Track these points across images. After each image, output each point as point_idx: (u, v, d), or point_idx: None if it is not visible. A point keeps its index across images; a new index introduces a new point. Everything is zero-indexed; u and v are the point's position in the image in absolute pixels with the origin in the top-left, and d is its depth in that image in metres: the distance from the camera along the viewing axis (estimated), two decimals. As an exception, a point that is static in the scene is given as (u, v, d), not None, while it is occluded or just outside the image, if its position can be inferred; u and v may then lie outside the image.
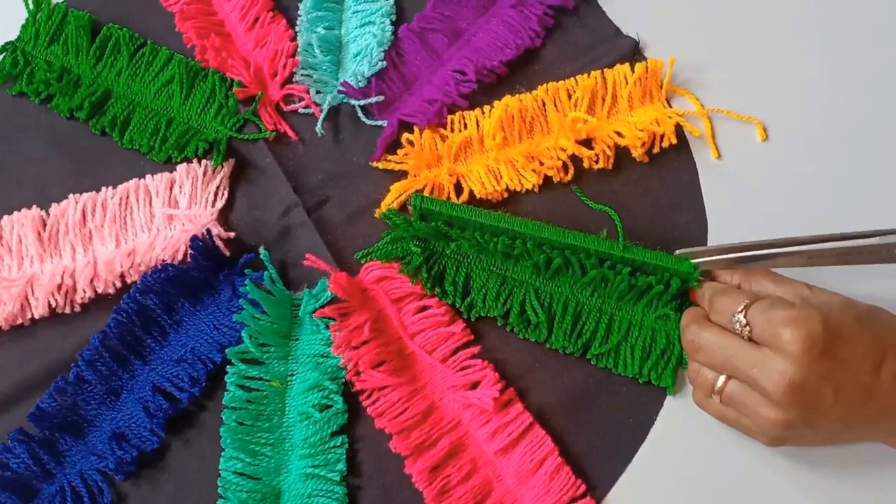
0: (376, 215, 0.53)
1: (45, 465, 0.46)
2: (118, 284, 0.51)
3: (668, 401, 0.48)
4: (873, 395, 0.40)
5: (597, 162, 0.53)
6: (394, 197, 0.52)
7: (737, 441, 0.46)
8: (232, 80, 0.56)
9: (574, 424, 0.47)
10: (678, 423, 0.47)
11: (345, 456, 0.46)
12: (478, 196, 0.53)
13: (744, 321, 0.41)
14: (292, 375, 0.49)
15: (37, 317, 0.50)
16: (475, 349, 0.49)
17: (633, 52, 0.57)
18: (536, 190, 0.53)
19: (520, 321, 0.49)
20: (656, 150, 0.53)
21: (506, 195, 0.53)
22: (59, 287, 0.50)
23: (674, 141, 0.53)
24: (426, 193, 0.52)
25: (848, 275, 0.45)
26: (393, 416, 0.47)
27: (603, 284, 0.49)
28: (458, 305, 0.50)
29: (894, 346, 0.40)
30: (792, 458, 0.46)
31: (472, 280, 0.50)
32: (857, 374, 0.40)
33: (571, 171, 0.53)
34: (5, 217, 0.53)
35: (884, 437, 0.43)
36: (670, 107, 0.55)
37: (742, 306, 0.41)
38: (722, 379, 0.42)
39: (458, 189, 0.53)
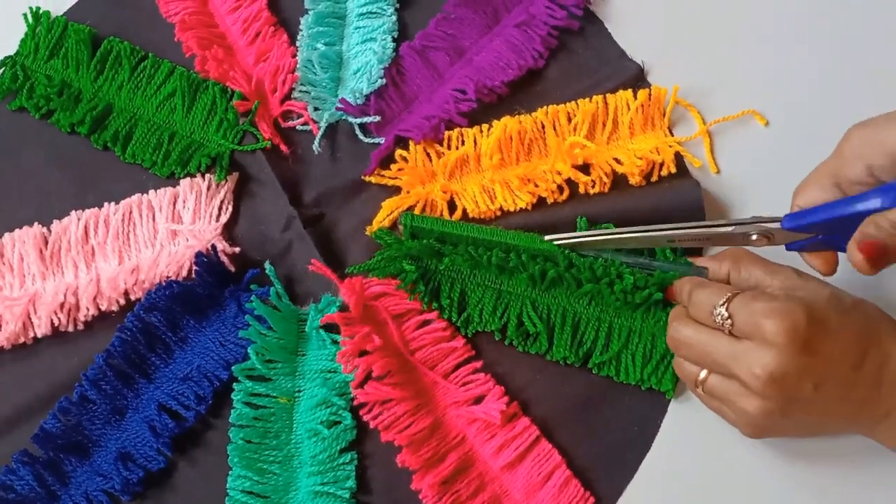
0: (367, 233, 0.52)
1: (50, 487, 0.46)
2: (122, 302, 0.50)
3: (672, 407, 0.48)
4: (854, 389, 0.40)
5: (593, 187, 0.52)
6: (385, 214, 0.52)
7: (743, 447, 0.46)
8: (232, 92, 0.56)
9: (578, 436, 0.47)
10: (682, 430, 0.47)
11: (354, 473, 0.46)
12: (471, 215, 0.52)
13: (725, 314, 0.41)
14: (300, 392, 0.49)
15: (39, 336, 0.50)
16: (477, 364, 0.49)
17: (637, 78, 0.56)
18: (529, 207, 0.52)
19: (518, 334, 0.49)
20: (654, 178, 0.52)
21: (499, 214, 0.53)
22: (62, 305, 0.50)
23: (673, 170, 0.52)
24: (418, 210, 0.52)
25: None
26: (399, 430, 0.47)
27: (599, 295, 0.49)
28: (454, 321, 0.50)
29: (878, 342, 0.40)
30: (800, 462, 0.46)
31: (467, 296, 0.50)
32: (838, 368, 0.39)
33: (566, 192, 0.52)
34: (7, 235, 0.52)
35: (864, 430, 0.43)
36: (672, 135, 0.55)
37: (724, 299, 0.41)
38: (704, 372, 0.43)
39: (452, 207, 0.53)
